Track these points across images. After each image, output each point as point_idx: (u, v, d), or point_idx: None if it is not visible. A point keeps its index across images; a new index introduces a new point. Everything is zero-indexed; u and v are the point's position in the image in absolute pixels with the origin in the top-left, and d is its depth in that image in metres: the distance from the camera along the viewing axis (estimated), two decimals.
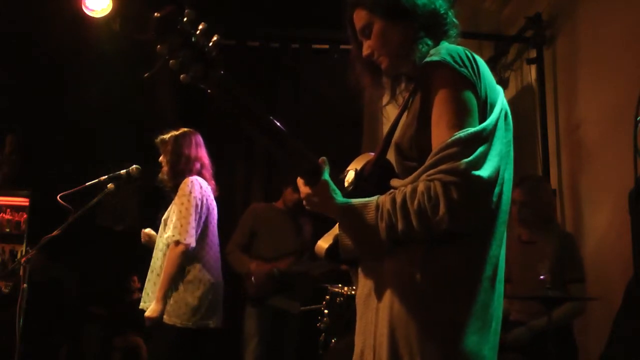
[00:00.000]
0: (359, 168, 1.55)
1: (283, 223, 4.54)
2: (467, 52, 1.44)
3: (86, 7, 4.27)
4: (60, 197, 3.08)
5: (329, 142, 4.28)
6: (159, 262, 3.19)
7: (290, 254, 4.42)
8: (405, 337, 1.34)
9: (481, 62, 1.45)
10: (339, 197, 1.42)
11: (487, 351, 1.38)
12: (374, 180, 1.51)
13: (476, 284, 1.37)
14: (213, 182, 3.39)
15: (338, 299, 3.69)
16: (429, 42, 1.51)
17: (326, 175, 1.43)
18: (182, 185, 3.21)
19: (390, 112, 1.67)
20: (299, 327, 4.46)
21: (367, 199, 1.41)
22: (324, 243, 1.55)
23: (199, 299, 3.12)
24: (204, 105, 4.96)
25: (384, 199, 1.38)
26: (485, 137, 1.35)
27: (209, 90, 1.25)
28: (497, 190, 1.36)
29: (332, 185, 1.43)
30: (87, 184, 3.19)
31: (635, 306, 2.40)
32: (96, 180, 3.21)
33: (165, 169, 3.35)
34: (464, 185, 1.29)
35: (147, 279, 3.25)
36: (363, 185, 1.51)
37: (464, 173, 1.29)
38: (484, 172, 1.31)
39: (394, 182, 1.47)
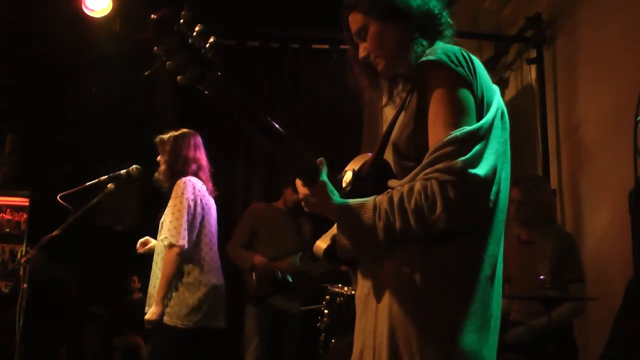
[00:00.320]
0: (356, 168, 1.55)
1: (283, 223, 4.55)
2: (462, 51, 1.44)
3: (86, 7, 4.27)
4: (60, 197, 3.08)
5: (329, 142, 4.27)
6: (159, 265, 3.18)
7: (290, 254, 4.43)
8: (404, 337, 1.35)
9: (477, 61, 1.46)
10: (336, 198, 1.42)
11: (487, 350, 1.38)
12: (372, 180, 1.51)
13: (475, 284, 1.37)
14: (210, 183, 3.38)
15: (338, 299, 3.69)
16: (424, 43, 1.51)
17: (324, 176, 1.43)
18: (175, 187, 3.21)
19: (388, 113, 1.68)
20: (299, 327, 4.46)
21: (364, 199, 1.41)
22: (322, 243, 1.55)
23: (200, 299, 3.12)
24: (204, 105, 4.94)
25: (381, 199, 1.38)
26: (482, 136, 1.35)
27: (206, 92, 1.26)
28: (494, 188, 1.36)
29: (330, 186, 1.43)
30: (87, 184, 3.20)
31: (635, 306, 2.39)
32: (96, 180, 3.22)
33: (162, 168, 3.34)
34: (461, 184, 1.29)
35: (150, 284, 3.22)
36: (361, 186, 1.51)
37: (460, 171, 1.29)
38: (481, 170, 1.31)
39: (392, 182, 1.47)
